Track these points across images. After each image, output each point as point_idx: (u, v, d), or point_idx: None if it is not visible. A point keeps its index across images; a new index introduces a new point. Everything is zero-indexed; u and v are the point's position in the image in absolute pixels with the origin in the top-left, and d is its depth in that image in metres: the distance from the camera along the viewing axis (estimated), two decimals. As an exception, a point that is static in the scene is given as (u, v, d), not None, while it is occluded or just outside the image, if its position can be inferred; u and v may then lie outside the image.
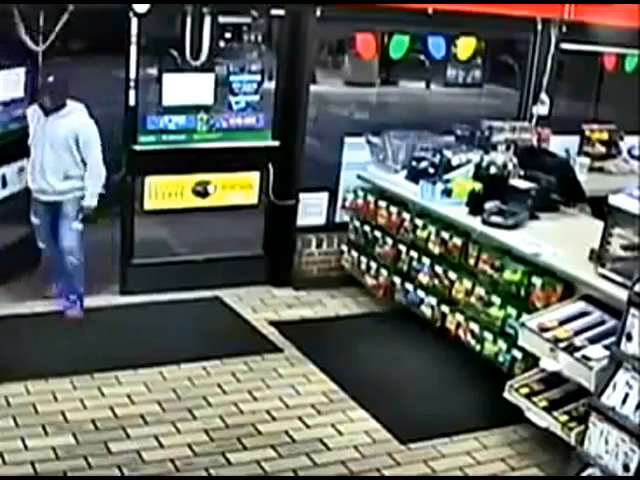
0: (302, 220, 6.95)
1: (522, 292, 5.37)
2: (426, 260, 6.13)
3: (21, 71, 6.20)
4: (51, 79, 5.77)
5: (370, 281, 6.73)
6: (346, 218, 7.00)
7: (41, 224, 6.04)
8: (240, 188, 6.74)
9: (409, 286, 6.31)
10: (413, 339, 6.19)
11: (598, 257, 5.05)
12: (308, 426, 5.09)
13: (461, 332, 5.82)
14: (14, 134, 6.19)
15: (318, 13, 6.48)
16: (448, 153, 6.43)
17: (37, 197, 5.95)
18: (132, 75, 6.14)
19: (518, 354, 5.31)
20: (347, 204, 6.95)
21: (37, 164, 5.84)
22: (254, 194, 6.79)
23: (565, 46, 7.49)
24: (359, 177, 6.86)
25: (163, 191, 6.48)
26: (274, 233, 6.96)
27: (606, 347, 4.56)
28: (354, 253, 6.90)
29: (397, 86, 9.06)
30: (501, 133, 7.08)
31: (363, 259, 6.80)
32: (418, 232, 6.20)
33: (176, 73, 6.40)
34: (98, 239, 6.33)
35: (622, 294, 4.54)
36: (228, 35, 6.85)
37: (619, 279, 4.84)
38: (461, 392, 5.57)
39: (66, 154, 5.80)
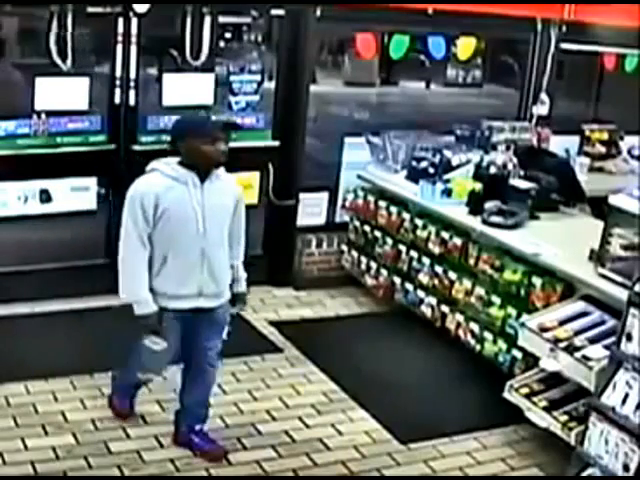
0: (302, 220, 6.95)
1: (522, 292, 5.37)
2: (426, 260, 6.13)
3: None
4: (214, 118, 4.62)
5: (370, 281, 6.72)
6: (346, 218, 7.00)
7: (172, 345, 4.33)
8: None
9: (409, 286, 6.31)
10: (413, 339, 6.19)
11: (598, 257, 5.05)
12: (308, 426, 5.09)
13: (461, 332, 5.82)
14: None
15: (318, 13, 6.48)
16: (448, 153, 6.43)
17: (179, 307, 4.29)
18: (132, 75, 6.14)
19: (518, 354, 5.31)
20: (347, 204, 6.95)
21: (195, 257, 4.22)
22: (254, 194, 6.79)
23: (565, 46, 7.50)
24: (359, 177, 6.86)
25: (163, 191, 6.47)
26: (274, 233, 6.96)
27: (606, 347, 4.56)
28: (354, 253, 6.90)
29: (397, 86, 9.07)
30: (501, 133, 7.08)
31: (363, 259, 6.80)
32: (418, 232, 6.20)
33: (176, 73, 6.40)
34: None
35: (622, 294, 4.54)
36: (228, 35, 6.85)
37: (619, 279, 4.84)
38: (461, 392, 5.57)
39: (227, 230, 4.37)
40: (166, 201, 4.12)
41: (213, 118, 4.45)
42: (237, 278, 4.52)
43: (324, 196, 7.04)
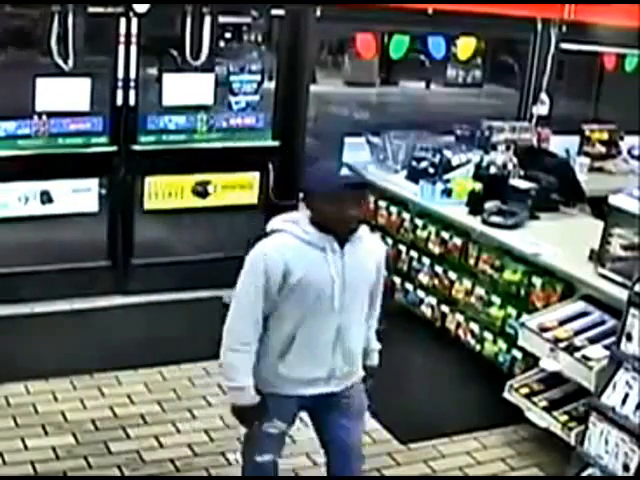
0: (302, 220, 6.94)
1: (522, 292, 5.37)
2: (426, 260, 6.13)
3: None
4: (347, 171, 3.50)
5: (370, 281, 6.72)
6: (346, 218, 6.98)
7: (286, 430, 3.74)
8: (240, 188, 6.74)
9: (409, 286, 6.31)
10: (413, 339, 6.19)
11: (598, 257, 5.05)
12: (308, 426, 5.07)
13: (461, 332, 5.82)
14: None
15: (318, 13, 6.49)
16: (448, 153, 6.43)
17: (305, 393, 3.57)
18: (132, 75, 6.14)
19: (518, 354, 5.31)
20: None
21: (329, 336, 3.47)
22: (254, 194, 6.79)
23: (565, 46, 7.50)
24: (359, 177, 6.85)
25: (163, 191, 6.48)
26: (274, 233, 6.94)
27: (606, 347, 4.56)
28: (354, 253, 6.88)
29: (397, 86, 9.07)
30: (501, 133, 7.09)
31: (363, 259, 6.79)
32: (418, 232, 6.20)
33: (176, 73, 6.40)
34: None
35: (622, 294, 4.54)
36: (228, 35, 6.85)
37: (619, 279, 4.84)
38: (461, 392, 5.57)
39: (368, 302, 3.64)
40: (299, 269, 3.36)
41: (344, 172, 3.46)
42: (369, 350, 3.80)
43: (324, 196, 7.03)
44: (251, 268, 3.40)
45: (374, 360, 3.84)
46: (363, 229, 3.54)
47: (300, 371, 3.50)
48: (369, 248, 3.57)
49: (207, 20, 6.34)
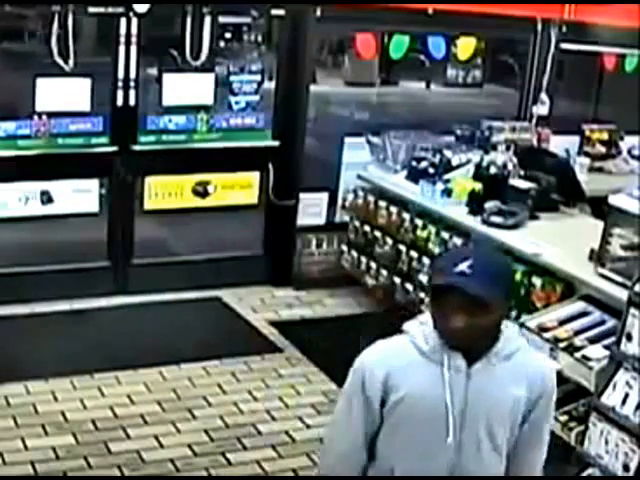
0: (302, 220, 6.95)
1: (522, 292, 5.37)
2: (426, 260, 6.13)
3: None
4: (471, 265, 2.56)
5: (370, 281, 6.72)
6: (346, 218, 7.00)
7: None
8: (240, 188, 6.74)
9: (409, 286, 6.31)
10: (413, 339, 6.18)
11: (598, 257, 5.05)
12: (308, 426, 5.09)
13: (461, 332, 5.81)
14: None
15: (318, 13, 6.49)
16: (448, 153, 6.43)
17: None
18: (132, 75, 6.15)
19: (518, 354, 5.30)
20: (347, 204, 6.95)
21: (436, 473, 2.68)
22: (254, 194, 6.79)
23: (565, 46, 7.49)
24: (359, 177, 6.86)
25: (163, 191, 6.48)
26: (274, 233, 6.96)
27: (606, 347, 4.55)
28: (354, 253, 6.89)
29: (397, 86, 9.08)
30: (501, 133, 7.08)
31: (363, 259, 6.79)
32: (418, 232, 6.20)
33: (176, 73, 6.41)
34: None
35: (622, 294, 4.54)
36: (228, 35, 6.86)
37: (619, 279, 4.83)
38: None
39: (504, 438, 2.76)
40: (404, 384, 2.67)
41: (463, 267, 2.56)
42: None
43: (324, 196, 7.04)
44: (350, 377, 2.81)
45: None
46: (519, 343, 2.73)
47: None
48: (522, 371, 2.70)
49: (207, 20, 6.35)
